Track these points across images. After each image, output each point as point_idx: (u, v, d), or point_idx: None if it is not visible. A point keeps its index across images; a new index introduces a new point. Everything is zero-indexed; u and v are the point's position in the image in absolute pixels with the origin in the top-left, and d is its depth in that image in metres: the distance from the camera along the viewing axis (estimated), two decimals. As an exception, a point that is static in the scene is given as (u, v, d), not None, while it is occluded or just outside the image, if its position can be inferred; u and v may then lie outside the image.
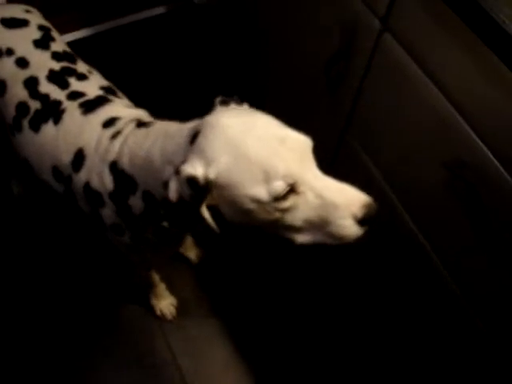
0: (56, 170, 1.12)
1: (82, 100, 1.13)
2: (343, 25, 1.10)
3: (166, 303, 1.66)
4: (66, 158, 1.08)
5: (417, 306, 1.28)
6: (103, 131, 1.06)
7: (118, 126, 1.05)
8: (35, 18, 1.26)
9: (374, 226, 0.85)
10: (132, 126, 1.03)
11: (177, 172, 0.83)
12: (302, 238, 0.88)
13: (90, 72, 1.23)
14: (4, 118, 1.20)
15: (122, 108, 1.13)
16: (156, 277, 1.57)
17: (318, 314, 1.68)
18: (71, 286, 1.70)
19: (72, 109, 1.11)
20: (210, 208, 0.86)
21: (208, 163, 0.81)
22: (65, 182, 1.12)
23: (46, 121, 1.12)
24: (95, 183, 1.05)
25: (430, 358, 1.31)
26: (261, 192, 0.80)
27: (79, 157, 1.07)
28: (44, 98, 1.14)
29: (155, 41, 2.18)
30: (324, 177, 0.84)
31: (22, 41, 1.20)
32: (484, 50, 0.81)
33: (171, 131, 0.93)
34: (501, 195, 0.88)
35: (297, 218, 0.84)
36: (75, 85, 1.16)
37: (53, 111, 1.12)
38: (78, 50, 1.32)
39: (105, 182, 1.03)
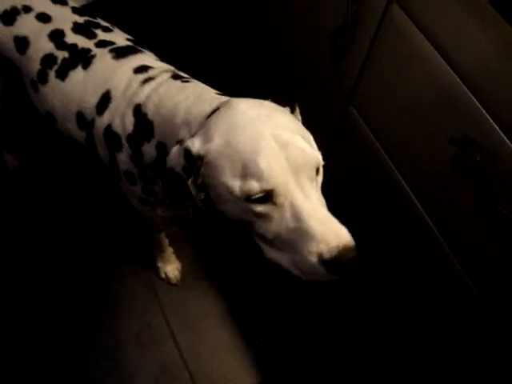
0: (80, 117, 1.10)
1: (112, 47, 1.12)
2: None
3: (171, 267, 1.64)
4: (92, 100, 1.07)
5: (420, 291, 1.24)
6: (134, 76, 1.04)
7: (151, 73, 1.04)
8: None
9: (346, 276, 0.74)
10: (167, 75, 1.02)
11: (181, 142, 0.82)
12: (270, 254, 0.81)
13: (112, 26, 1.22)
14: (25, 75, 1.18)
15: (153, 60, 1.12)
16: (165, 241, 1.56)
17: (319, 298, 1.63)
18: (68, 262, 1.66)
19: (102, 54, 1.10)
20: (200, 187, 0.83)
21: (206, 140, 0.79)
22: (87, 127, 1.10)
23: (74, 67, 1.11)
24: (116, 125, 1.04)
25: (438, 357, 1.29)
26: (234, 185, 0.75)
27: (105, 99, 1.06)
28: (72, 48, 1.12)
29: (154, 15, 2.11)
30: (315, 200, 0.76)
31: None
32: (497, 19, 0.76)
33: (205, 97, 0.91)
34: (509, 173, 0.84)
35: (269, 229, 0.77)
36: (102, 35, 1.15)
37: (82, 57, 1.11)
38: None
39: (126, 124, 1.02)
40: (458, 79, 0.89)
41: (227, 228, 0.89)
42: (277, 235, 0.77)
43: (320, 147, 0.93)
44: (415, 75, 0.98)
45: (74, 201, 1.77)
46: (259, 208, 0.76)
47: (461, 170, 0.93)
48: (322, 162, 0.80)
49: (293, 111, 0.88)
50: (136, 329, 1.57)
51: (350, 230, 0.74)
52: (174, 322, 1.59)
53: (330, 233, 0.73)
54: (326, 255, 0.72)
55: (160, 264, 1.64)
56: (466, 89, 0.88)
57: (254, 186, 0.74)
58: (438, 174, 1.00)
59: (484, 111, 0.86)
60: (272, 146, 0.75)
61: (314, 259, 0.73)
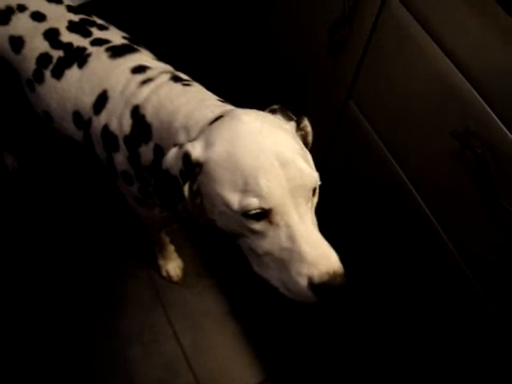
0: (77, 116, 1.09)
1: (108, 45, 1.10)
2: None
3: (173, 265, 1.64)
4: (89, 100, 1.06)
5: (421, 288, 1.22)
6: (132, 76, 1.03)
7: (149, 74, 1.03)
8: None
9: (331, 301, 0.75)
10: (166, 77, 1.01)
11: (180, 146, 0.81)
12: (258, 268, 0.82)
13: (108, 24, 1.20)
14: (21, 75, 1.17)
15: (150, 59, 1.11)
16: (166, 239, 1.56)
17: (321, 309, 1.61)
18: (69, 261, 1.65)
19: (98, 53, 1.09)
20: (195, 194, 0.82)
21: (207, 147, 0.78)
22: (84, 127, 1.09)
23: (69, 66, 1.09)
24: (113, 126, 1.03)
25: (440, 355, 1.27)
26: (233, 199, 0.75)
27: (102, 99, 1.05)
28: (67, 47, 1.11)
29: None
30: (309, 223, 0.76)
31: None
32: (495, 9, 0.75)
33: (207, 103, 0.91)
34: (509, 164, 0.83)
35: (261, 245, 0.78)
36: (98, 33, 1.14)
37: (77, 56, 1.10)
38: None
39: (123, 125, 1.00)
40: (457, 72, 0.87)
41: (216, 235, 0.90)
42: (268, 253, 0.78)
43: (320, 142, 0.93)
44: (414, 68, 0.97)
45: (74, 200, 1.76)
46: (255, 225, 0.76)
47: (462, 164, 0.91)
48: (318, 183, 0.80)
49: (299, 124, 0.87)
50: (138, 328, 1.56)
51: (347, 233, 0.74)
52: (176, 320, 1.58)
53: (322, 258, 0.74)
54: (316, 279, 0.73)
55: (161, 262, 1.63)
56: (465, 80, 0.86)
57: (253, 202, 0.73)
58: (438, 167, 0.99)
59: (485, 104, 0.84)
60: (273, 164, 0.74)
61: (303, 281, 0.74)
